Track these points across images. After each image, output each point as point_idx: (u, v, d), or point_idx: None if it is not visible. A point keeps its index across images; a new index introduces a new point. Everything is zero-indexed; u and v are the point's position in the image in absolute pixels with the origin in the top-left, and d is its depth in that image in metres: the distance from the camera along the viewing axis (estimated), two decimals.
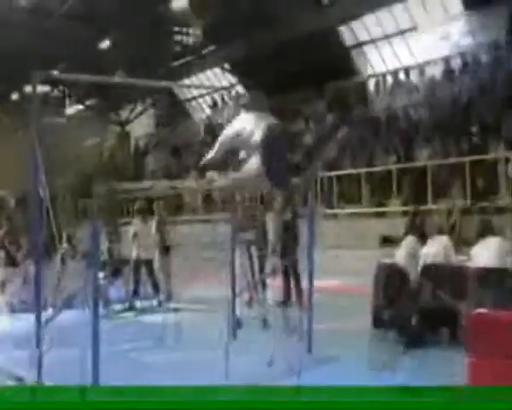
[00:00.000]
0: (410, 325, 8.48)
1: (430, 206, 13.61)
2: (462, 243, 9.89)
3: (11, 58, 25.64)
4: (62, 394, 5.10)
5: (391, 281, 8.79)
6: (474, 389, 5.48)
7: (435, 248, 8.42)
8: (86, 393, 5.07)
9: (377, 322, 8.78)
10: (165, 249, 12.89)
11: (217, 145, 5.92)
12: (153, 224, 12.96)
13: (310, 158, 18.47)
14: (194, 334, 9.68)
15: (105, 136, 34.03)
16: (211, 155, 6.02)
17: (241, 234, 9.66)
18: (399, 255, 8.88)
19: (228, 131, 5.83)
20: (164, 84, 7.00)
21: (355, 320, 9.53)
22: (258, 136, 5.51)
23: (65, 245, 12.40)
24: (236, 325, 9.26)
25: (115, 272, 12.60)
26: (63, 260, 12.35)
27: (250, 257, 9.87)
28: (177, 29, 25.51)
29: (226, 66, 26.18)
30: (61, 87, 30.85)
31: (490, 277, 7.75)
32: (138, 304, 12.48)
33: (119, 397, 4.90)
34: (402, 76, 20.31)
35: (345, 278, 13.17)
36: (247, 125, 5.68)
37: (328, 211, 16.03)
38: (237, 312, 9.33)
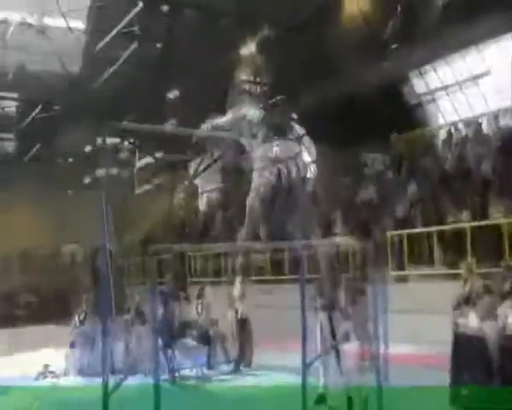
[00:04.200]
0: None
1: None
2: None
3: (83, 110, 26.28)
4: None
5: (469, 354, 8.32)
6: None
7: None
8: None
9: (456, 399, 8.32)
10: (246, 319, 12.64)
11: None
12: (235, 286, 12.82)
13: (378, 216, 17.93)
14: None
15: (174, 190, 34.20)
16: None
17: (319, 299, 9.37)
18: (474, 319, 8.42)
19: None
20: (230, 135, 6.80)
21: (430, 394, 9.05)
22: None
23: (132, 312, 12.45)
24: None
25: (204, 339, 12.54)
26: (132, 325, 12.36)
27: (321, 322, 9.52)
28: (245, 78, 25.48)
29: (294, 116, 26.02)
30: (131, 139, 31.28)
31: None
32: (208, 371, 12.32)
33: None
34: (475, 125, 19.62)
35: (416, 346, 12.61)
36: None
37: (399, 273, 15.46)
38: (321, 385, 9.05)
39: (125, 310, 13.60)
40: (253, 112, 5.99)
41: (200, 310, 13.03)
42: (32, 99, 26.28)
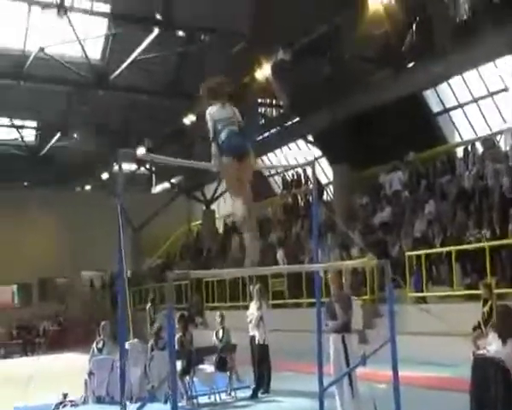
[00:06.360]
0: None
1: None
2: None
3: (101, 135, 26.49)
4: None
5: (489, 377, 8.13)
6: None
7: None
8: None
9: None
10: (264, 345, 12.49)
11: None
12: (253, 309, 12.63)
13: (395, 236, 17.75)
14: None
15: (191, 215, 34.06)
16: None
17: (330, 322, 9.24)
18: (494, 340, 8.26)
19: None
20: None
21: None
22: None
23: (152, 339, 12.41)
24: None
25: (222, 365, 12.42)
26: (151, 351, 12.29)
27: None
28: (260, 100, 25.38)
29: (309, 138, 25.81)
30: (147, 165, 31.34)
31: None
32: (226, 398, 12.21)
33: None
34: (493, 142, 19.41)
35: (435, 368, 12.39)
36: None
37: (416, 294, 15.22)
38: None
39: (144, 336, 13.56)
40: None
41: (220, 336, 12.99)
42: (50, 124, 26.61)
